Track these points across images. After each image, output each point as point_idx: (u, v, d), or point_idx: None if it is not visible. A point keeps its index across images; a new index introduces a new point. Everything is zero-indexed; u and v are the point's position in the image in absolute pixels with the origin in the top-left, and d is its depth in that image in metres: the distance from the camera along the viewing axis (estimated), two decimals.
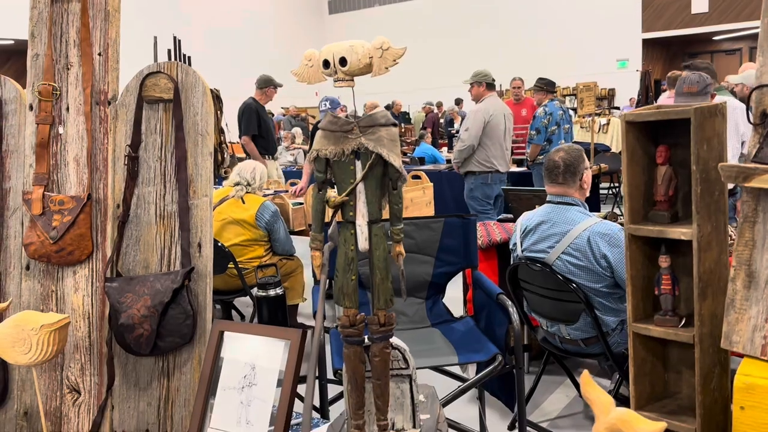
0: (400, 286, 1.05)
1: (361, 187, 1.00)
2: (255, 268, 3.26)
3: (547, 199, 2.89)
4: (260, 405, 1.36)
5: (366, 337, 1.08)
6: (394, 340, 1.11)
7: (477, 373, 2.22)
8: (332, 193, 1.01)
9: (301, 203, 5.04)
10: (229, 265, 3.73)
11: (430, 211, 5.23)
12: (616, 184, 9.03)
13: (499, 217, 4.39)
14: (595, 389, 0.80)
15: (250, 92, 6.27)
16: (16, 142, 1.64)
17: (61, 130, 1.60)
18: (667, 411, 0.79)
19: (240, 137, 6.24)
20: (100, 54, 1.59)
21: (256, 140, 6.12)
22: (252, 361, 1.41)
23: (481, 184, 5.40)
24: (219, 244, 3.61)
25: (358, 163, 0.99)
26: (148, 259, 1.57)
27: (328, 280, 1.08)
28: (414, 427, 1.15)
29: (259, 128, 6.09)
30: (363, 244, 1.01)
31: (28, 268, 1.60)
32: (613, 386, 3.20)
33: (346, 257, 1.02)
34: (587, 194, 2.92)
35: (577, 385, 3.47)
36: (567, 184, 2.80)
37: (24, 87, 1.66)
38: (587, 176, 2.89)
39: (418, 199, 5.00)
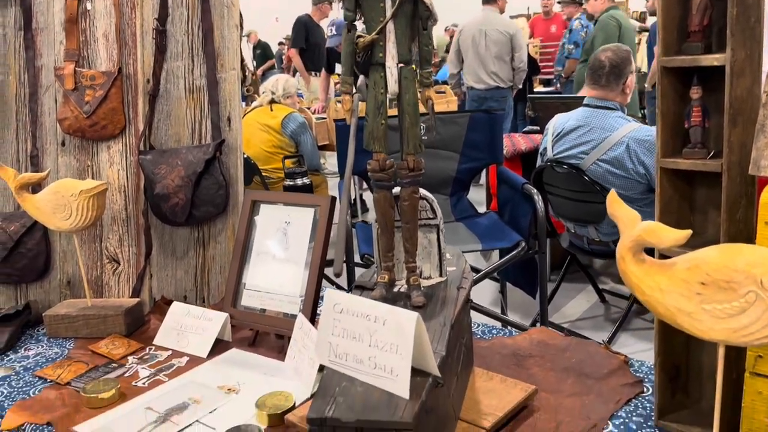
0: (431, 124, 1.06)
1: (390, 26, 1.00)
2: (283, 161, 3.27)
3: (585, 102, 2.81)
4: (293, 267, 1.42)
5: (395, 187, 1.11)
6: (421, 190, 1.13)
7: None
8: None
9: (324, 118, 5.04)
10: (254, 179, 3.78)
11: None
12: (644, 107, 8.82)
13: (525, 129, 4.34)
14: (621, 205, 0.82)
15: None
16: (45, 20, 1.65)
17: (89, 5, 1.61)
18: (691, 245, 0.81)
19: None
20: None
21: (304, 54, 6.17)
22: (284, 228, 1.45)
23: (463, 102, 5.51)
24: (244, 156, 3.64)
25: (388, 1, 0.99)
26: (179, 133, 1.61)
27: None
28: (441, 275, 1.19)
29: (306, 42, 6.14)
30: (393, 86, 1.02)
31: (63, 144, 1.65)
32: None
33: (375, 101, 1.03)
34: (628, 100, 2.86)
35: (599, 291, 3.54)
36: (610, 86, 2.72)
37: None
38: (631, 80, 2.80)
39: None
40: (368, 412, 0.78)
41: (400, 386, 0.79)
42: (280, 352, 1.37)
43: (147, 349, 1.43)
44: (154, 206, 1.56)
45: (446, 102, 5.07)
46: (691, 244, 0.84)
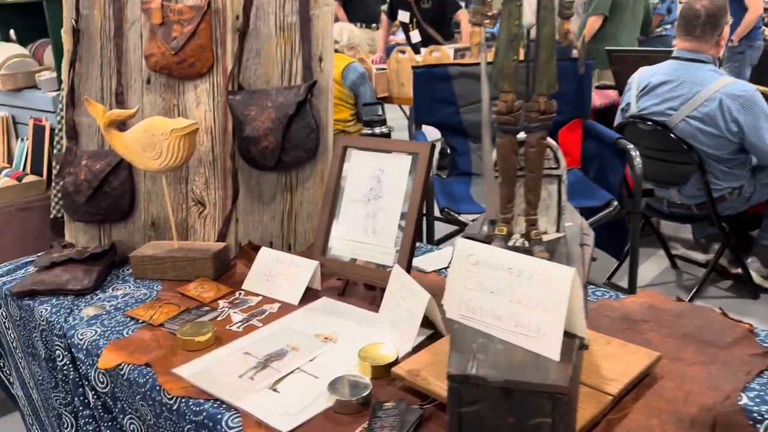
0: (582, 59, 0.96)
1: None
2: (361, 108, 3.17)
3: (675, 55, 2.64)
4: (387, 216, 1.35)
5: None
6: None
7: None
8: None
9: (384, 68, 4.90)
10: None
11: None
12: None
13: (597, 84, 4.13)
14: None
15: None
16: None
17: None
18: None
19: None
20: None
21: (347, 7, 5.97)
22: (378, 175, 1.38)
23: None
24: None
25: None
26: (268, 73, 1.54)
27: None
28: (558, 230, 1.10)
29: None
30: (530, 18, 0.93)
31: (149, 81, 1.60)
32: (708, 260, 3.11)
33: (509, 33, 0.94)
34: (722, 52, 2.68)
35: (670, 257, 3.39)
36: (704, 38, 2.55)
37: None
38: (726, 32, 2.63)
39: None
40: (515, 372, 0.71)
41: (550, 347, 0.73)
42: (371, 303, 1.32)
43: (237, 293, 1.40)
44: (243, 149, 1.50)
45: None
46: None
